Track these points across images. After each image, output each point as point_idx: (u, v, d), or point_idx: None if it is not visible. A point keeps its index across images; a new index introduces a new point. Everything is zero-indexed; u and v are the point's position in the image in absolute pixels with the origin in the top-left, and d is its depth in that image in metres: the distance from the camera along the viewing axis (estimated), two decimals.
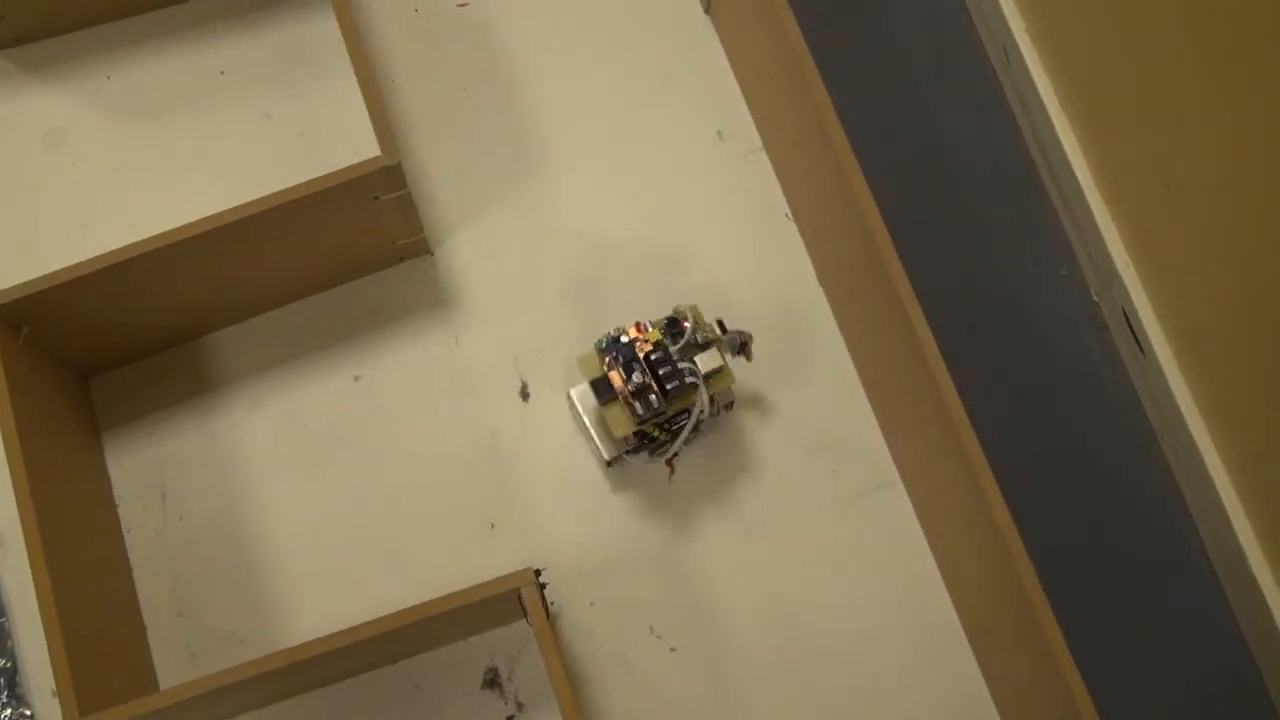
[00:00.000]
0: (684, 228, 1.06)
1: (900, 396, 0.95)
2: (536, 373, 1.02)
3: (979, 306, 1.06)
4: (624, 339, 0.91)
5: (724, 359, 0.92)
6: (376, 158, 0.90)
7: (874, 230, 0.89)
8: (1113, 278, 1.02)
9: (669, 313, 0.93)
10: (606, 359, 0.91)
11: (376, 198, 0.94)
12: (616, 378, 0.90)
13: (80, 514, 0.94)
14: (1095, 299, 1.06)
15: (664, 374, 0.90)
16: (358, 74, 0.92)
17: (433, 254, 1.06)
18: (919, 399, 0.89)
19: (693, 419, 0.91)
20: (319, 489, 0.99)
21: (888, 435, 1.00)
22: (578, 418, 0.97)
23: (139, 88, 1.10)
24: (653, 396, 0.89)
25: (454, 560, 0.97)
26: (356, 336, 1.03)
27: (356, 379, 1.02)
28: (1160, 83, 0.92)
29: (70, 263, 0.90)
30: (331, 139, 1.08)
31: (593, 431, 0.95)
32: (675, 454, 0.95)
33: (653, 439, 0.93)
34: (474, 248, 1.06)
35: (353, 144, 1.07)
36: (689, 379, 0.90)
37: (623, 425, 0.91)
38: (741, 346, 0.94)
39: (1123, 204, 1.01)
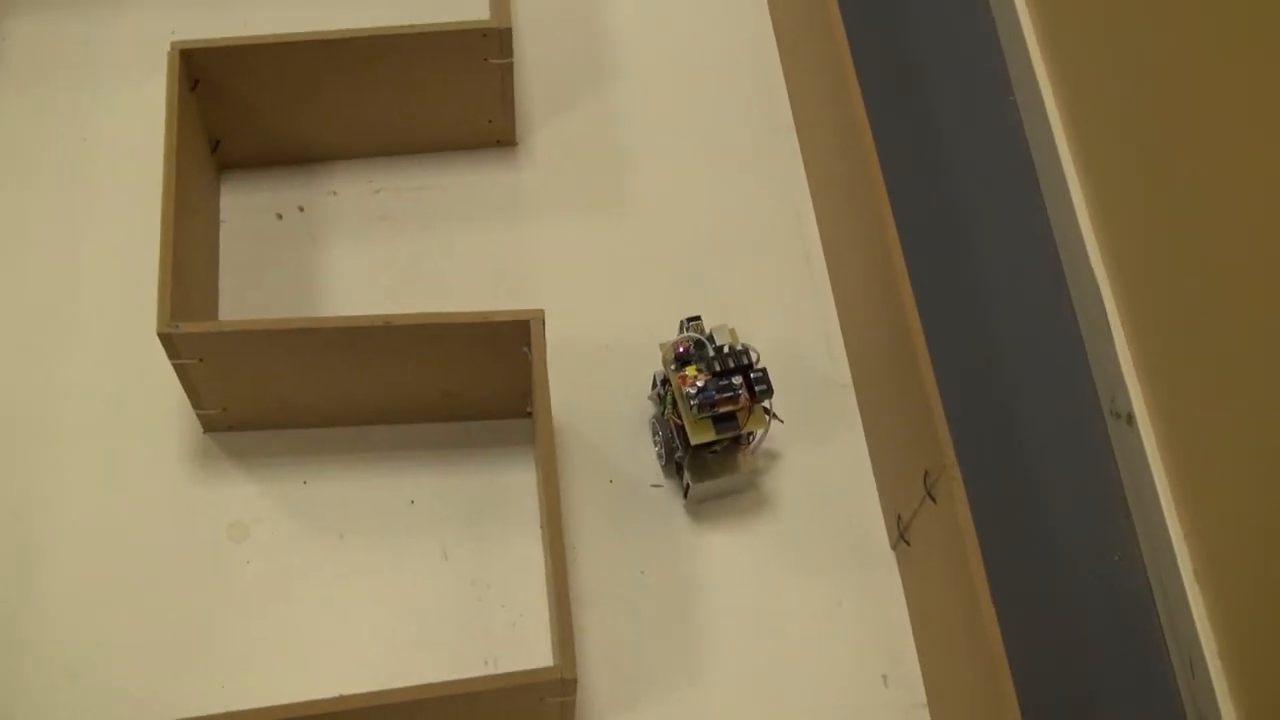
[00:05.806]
0: None
1: None
2: None
3: None
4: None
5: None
6: (553, 668, 0.90)
7: None
8: None
9: None
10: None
11: (542, 699, 0.92)
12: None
13: None
14: None
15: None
16: (553, 583, 0.93)
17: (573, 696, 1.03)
18: None
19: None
20: None
21: None
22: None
23: (331, 500, 1.12)
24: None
25: None
26: None
27: None
28: None
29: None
30: (500, 594, 1.08)
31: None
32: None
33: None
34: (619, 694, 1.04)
35: (521, 604, 1.07)
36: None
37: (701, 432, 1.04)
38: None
39: None
